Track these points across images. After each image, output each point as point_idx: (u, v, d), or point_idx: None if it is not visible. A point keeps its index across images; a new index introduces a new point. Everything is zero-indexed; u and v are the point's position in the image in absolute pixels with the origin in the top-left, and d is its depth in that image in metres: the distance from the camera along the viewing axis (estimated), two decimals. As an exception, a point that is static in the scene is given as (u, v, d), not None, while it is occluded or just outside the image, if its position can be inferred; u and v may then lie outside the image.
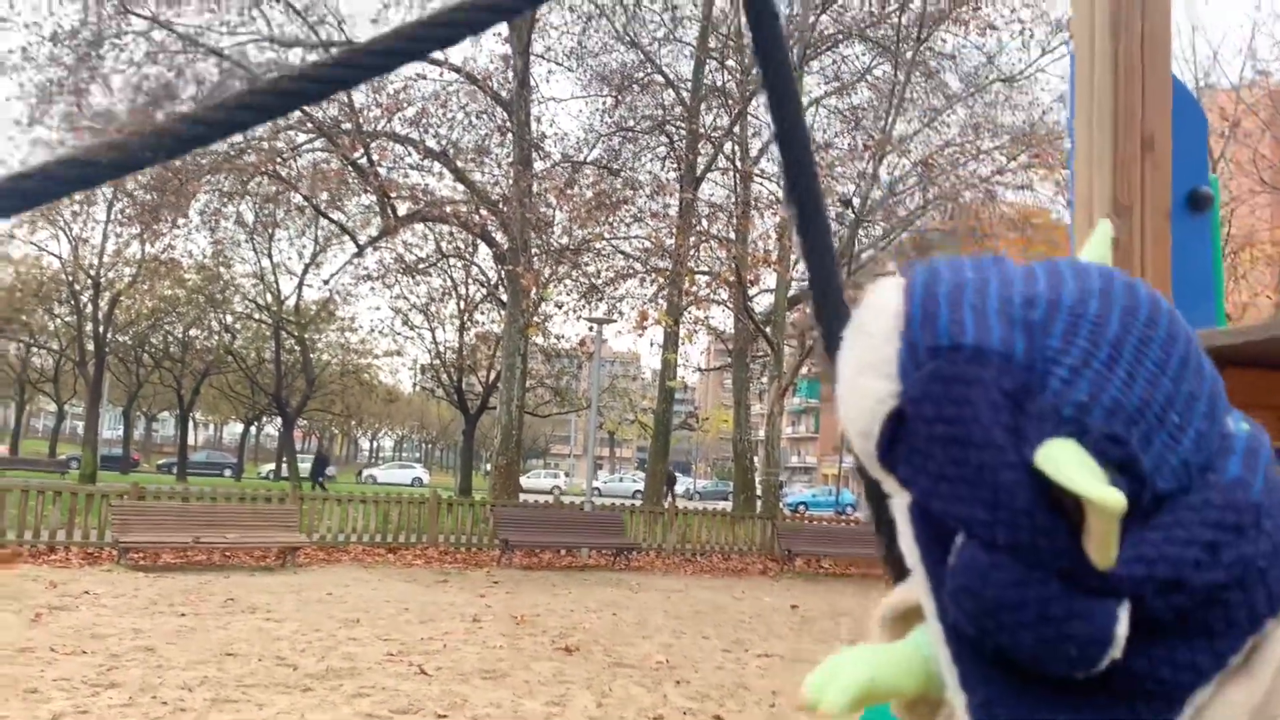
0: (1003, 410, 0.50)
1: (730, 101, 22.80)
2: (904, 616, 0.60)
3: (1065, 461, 0.48)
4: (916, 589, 0.57)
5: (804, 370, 25.80)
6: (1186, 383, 0.52)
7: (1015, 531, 0.49)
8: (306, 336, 32.70)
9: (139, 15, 19.18)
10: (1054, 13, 20.79)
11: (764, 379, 32.98)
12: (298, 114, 20.38)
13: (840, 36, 21.69)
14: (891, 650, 0.58)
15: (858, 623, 12.01)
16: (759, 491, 23.91)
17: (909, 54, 20.15)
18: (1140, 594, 0.49)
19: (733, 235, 21.98)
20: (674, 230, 20.56)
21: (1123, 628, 0.49)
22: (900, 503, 0.55)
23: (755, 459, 25.46)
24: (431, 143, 21.12)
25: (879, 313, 0.55)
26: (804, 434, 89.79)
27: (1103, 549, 0.48)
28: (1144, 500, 0.50)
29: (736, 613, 12.25)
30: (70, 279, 32.42)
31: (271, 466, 49.37)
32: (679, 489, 54.45)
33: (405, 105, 20.29)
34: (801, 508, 47.73)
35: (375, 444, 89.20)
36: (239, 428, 55.11)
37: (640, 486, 39.34)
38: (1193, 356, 0.54)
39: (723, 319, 26.91)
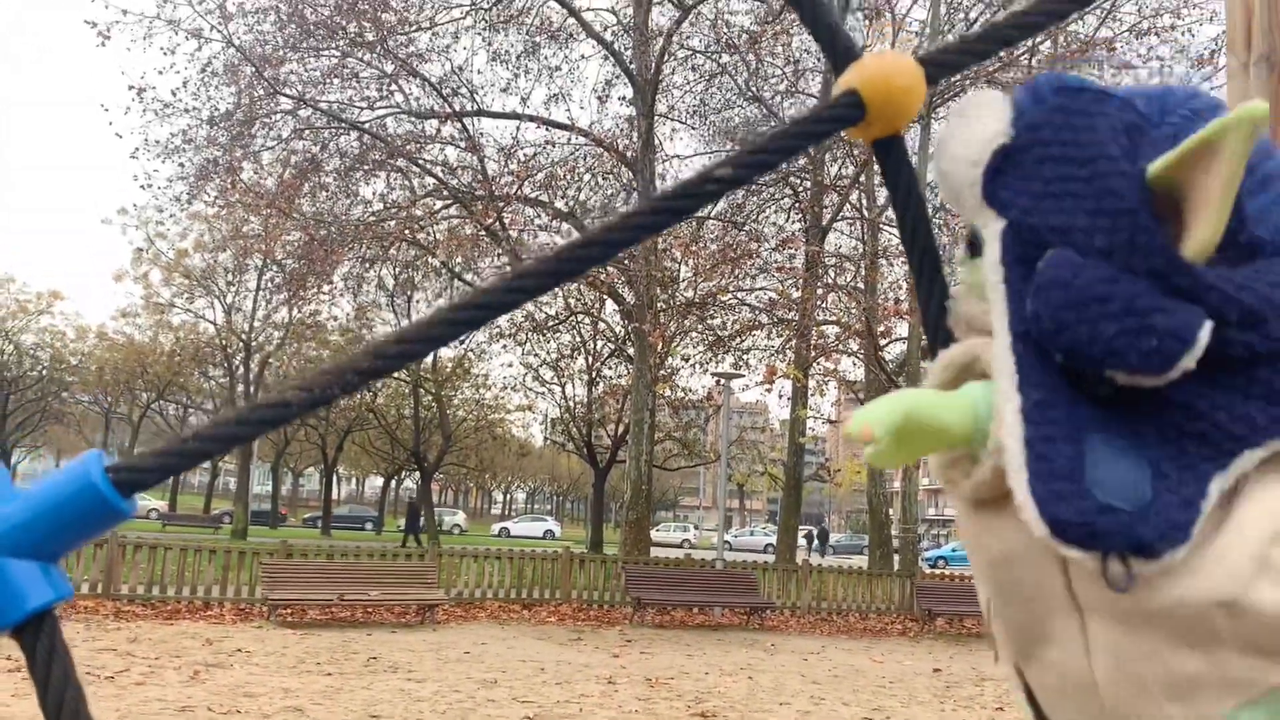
0: (1120, 134, 0.55)
1: (855, 151, 22.64)
2: (959, 370, 0.60)
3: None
4: (972, 343, 0.59)
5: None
6: None
7: (1114, 233, 0.52)
8: (443, 394, 33.68)
9: (287, 96, 20.35)
10: (1194, 48, 20.03)
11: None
12: (433, 182, 21.22)
13: (967, 82, 21.33)
14: (939, 392, 0.58)
15: (1005, 687, 11.48)
16: (895, 546, 23.27)
17: (1040, 96, 19.61)
18: (1223, 315, 0.51)
19: (861, 286, 21.69)
20: (800, 283, 20.43)
21: (1204, 335, 0.50)
22: (991, 231, 0.57)
23: (890, 512, 24.82)
24: (560, 204, 21.64)
25: (983, 93, 0.61)
26: (940, 485, 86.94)
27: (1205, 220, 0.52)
28: (1240, 238, 0.54)
29: (876, 677, 11.88)
30: (224, 343, 34.32)
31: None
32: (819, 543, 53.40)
33: (536, 172, 20.87)
34: (941, 562, 46.17)
35: (508, 497, 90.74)
36: (379, 482, 56.91)
37: (772, 540, 38.80)
38: None
39: (853, 369, 26.50)
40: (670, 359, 22.89)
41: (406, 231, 21.16)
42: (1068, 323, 0.52)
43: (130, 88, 19.90)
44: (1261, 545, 0.50)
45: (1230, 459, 0.52)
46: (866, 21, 22.92)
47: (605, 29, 22.80)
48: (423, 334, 0.56)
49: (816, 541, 51.68)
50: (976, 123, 0.59)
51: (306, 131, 21.05)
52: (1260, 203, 0.55)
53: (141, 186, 20.70)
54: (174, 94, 20.20)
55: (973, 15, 21.22)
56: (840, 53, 0.63)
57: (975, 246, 0.61)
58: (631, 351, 24.28)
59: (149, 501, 54.62)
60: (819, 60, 23.10)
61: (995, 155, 0.57)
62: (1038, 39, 18.40)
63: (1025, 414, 0.52)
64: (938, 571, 25.19)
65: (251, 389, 34.14)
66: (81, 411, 48.13)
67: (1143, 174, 0.53)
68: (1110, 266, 0.52)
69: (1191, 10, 19.67)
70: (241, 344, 33.41)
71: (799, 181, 23.91)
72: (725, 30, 21.56)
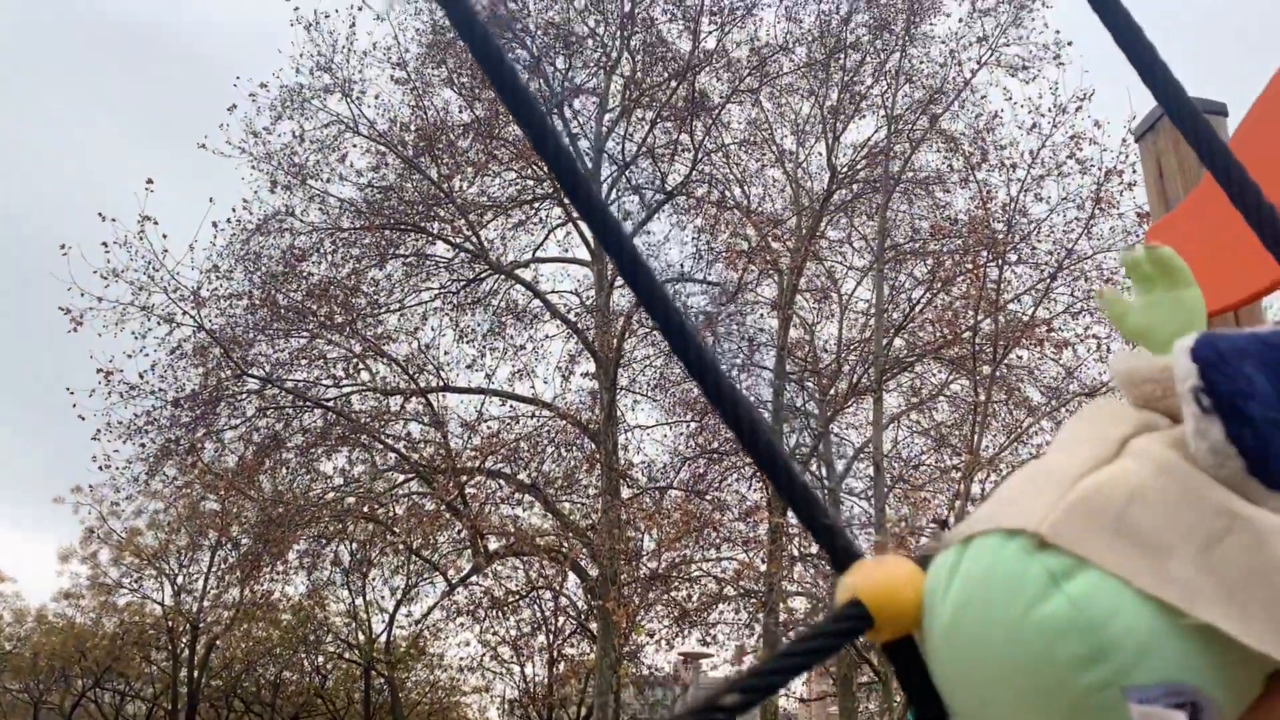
0: None
1: (811, 422, 23.18)
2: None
3: None
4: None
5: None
6: None
7: None
8: (395, 676, 32.12)
9: (254, 377, 20.67)
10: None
11: (870, 703, 31.00)
12: (394, 457, 21.27)
13: (913, 359, 22.23)
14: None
15: None
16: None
17: (986, 369, 20.46)
18: None
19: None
20: (766, 555, 20.25)
21: None
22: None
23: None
24: (523, 476, 21.66)
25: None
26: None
27: None
28: None
29: None
30: (170, 624, 32.87)
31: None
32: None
33: (499, 447, 21.04)
34: None
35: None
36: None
37: (747, 831, 36.15)
38: None
39: (823, 643, 25.72)
40: (635, 635, 22.21)
41: (365, 508, 20.94)
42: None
43: (99, 370, 20.08)
44: None
45: None
46: (815, 304, 24.12)
47: (569, 310, 23.75)
48: None
49: None
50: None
51: (270, 410, 21.22)
52: None
53: (100, 467, 20.39)
54: (141, 376, 20.41)
55: (914, 295, 22.42)
56: (839, 552, 0.64)
57: None
58: (594, 627, 23.58)
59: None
60: (771, 337, 24.06)
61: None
62: (979, 318, 19.39)
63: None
64: None
65: (195, 673, 32.34)
66: (9, 702, 45.07)
67: None
68: None
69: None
70: (188, 625, 31.95)
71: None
72: (683, 310, 22.55)
